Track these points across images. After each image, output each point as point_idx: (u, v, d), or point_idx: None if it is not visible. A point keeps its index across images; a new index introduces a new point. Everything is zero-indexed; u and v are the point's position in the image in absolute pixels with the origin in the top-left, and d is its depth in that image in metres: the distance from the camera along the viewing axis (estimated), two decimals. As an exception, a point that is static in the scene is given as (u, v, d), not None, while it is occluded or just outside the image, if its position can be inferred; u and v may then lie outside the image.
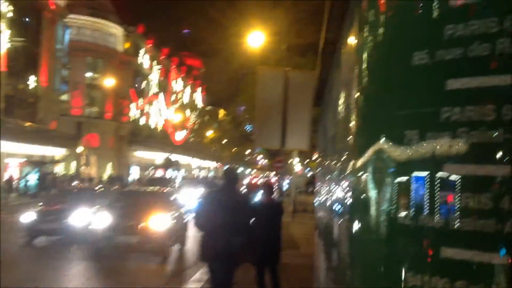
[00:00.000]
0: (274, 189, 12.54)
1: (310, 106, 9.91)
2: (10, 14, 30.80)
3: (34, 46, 36.81)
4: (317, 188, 10.21)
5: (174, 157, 63.05)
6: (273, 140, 10.18)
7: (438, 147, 2.53)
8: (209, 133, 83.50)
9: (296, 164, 47.22)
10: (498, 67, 2.30)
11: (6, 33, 30.79)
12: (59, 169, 44.20)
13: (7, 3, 29.83)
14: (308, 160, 50.58)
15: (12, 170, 35.45)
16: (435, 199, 2.43)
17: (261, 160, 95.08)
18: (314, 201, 13.61)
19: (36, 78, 38.22)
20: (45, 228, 15.08)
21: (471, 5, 2.39)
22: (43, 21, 38.34)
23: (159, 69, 73.69)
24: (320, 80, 7.07)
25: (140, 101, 65.93)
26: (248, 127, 63.89)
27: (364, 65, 3.12)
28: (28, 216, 15.30)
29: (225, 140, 78.00)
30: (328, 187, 5.92)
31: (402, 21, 2.69)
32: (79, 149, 48.51)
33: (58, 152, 43.61)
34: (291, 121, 10.05)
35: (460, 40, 2.43)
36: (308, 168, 55.12)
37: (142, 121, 67.83)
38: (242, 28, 19.19)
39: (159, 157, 64.97)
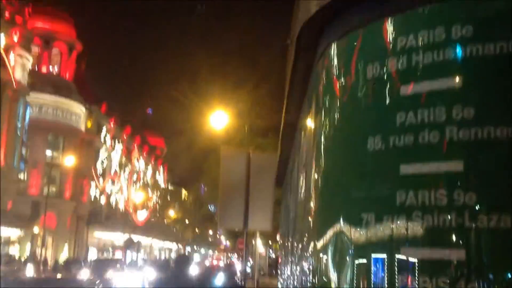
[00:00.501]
0: (235, 272, 12.30)
1: (272, 187, 9.98)
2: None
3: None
4: (281, 270, 10.08)
5: (135, 237, 61.62)
6: (236, 221, 10.12)
7: (394, 230, 2.58)
8: (172, 214, 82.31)
9: (260, 246, 46.79)
10: (448, 154, 2.41)
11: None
12: (14, 251, 42.50)
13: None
14: (271, 241, 50.19)
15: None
16: (394, 281, 2.45)
17: (224, 241, 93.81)
18: (278, 284, 13.37)
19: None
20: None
21: (421, 94, 2.52)
22: (3, 99, 38.14)
23: (121, 148, 73.39)
24: (281, 161, 7.18)
25: (101, 180, 65.01)
26: (211, 208, 63.34)
27: (322, 148, 3.21)
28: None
29: (187, 221, 76.91)
30: (291, 269, 5.87)
31: (356, 107, 2.81)
32: (35, 229, 46.93)
33: (13, 233, 42.07)
34: (254, 202, 10.06)
35: (411, 127, 2.55)
36: (272, 249, 54.54)
37: (102, 201, 66.56)
38: (205, 109, 19.52)
39: (119, 237, 63.38)
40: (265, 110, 21.19)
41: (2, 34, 34.58)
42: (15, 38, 38.61)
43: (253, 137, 22.13)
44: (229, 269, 11.10)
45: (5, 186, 37.23)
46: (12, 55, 38.67)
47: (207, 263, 55.57)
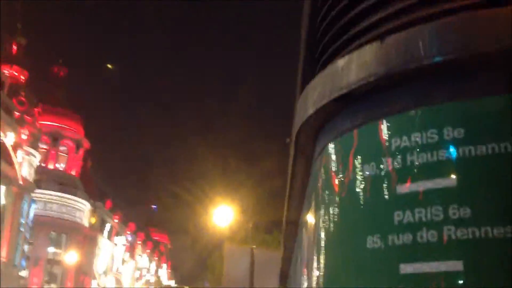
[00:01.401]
0: None
1: (276, 283, 9.80)
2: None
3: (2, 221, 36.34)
4: None
5: None
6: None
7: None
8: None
9: None
10: (447, 253, 2.40)
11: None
12: None
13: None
14: None
15: None
16: None
17: None
18: None
19: (-4, 253, 37.09)
20: None
21: (418, 193, 2.55)
22: (9, 196, 38.29)
23: (125, 244, 72.52)
24: (284, 258, 7.10)
25: (102, 277, 63.67)
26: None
27: (322, 244, 3.20)
28: None
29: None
30: None
31: (354, 203, 2.83)
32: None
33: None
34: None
35: (409, 226, 2.55)
36: None
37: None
38: (209, 205, 19.54)
39: None
40: (269, 206, 21.19)
41: (11, 133, 35.39)
42: (24, 136, 39.46)
43: (257, 233, 21.95)
44: None
45: (6, 283, 36.52)
46: (20, 153, 39.31)
47: None
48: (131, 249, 74.60)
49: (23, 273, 48.18)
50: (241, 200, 20.02)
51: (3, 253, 38.02)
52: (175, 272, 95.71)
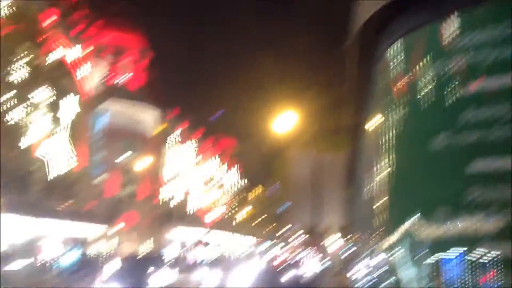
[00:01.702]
0: (302, 270, 12.16)
1: (342, 185, 9.95)
2: (51, 99, 32.21)
3: (78, 131, 38.03)
4: (354, 266, 9.99)
5: (207, 236, 62.71)
6: (308, 217, 10.18)
7: (466, 227, 2.54)
8: (244, 212, 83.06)
9: (332, 242, 46.26)
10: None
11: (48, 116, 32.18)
12: (97, 248, 44.24)
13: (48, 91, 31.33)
14: (344, 237, 49.51)
15: (50, 250, 35.65)
16: (468, 277, 2.42)
17: (296, 238, 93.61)
18: (352, 282, 13.19)
19: (74, 161, 39.31)
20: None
21: (487, 91, 2.46)
22: (78, 110, 39.80)
23: (193, 150, 74.73)
24: (351, 160, 7.15)
25: (172, 181, 66.44)
26: (283, 206, 63.28)
27: (389, 147, 3.20)
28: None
29: (259, 219, 77.42)
30: (364, 265, 5.86)
31: (421, 105, 2.78)
32: (116, 228, 48.80)
33: (95, 231, 43.92)
34: (325, 199, 10.05)
35: (478, 124, 2.49)
36: (348, 245, 53.59)
37: (175, 202, 68.04)
38: (275, 110, 19.58)
39: (191, 236, 64.66)
40: (332, 112, 21.04)
41: (75, 48, 36.10)
42: (87, 50, 40.21)
43: (322, 137, 22.02)
44: (294, 267, 10.97)
45: (88, 187, 38.96)
46: (84, 67, 40.26)
47: (274, 261, 55.37)
48: (199, 154, 76.68)
49: (98, 181, 50.96)
50: (304, 106, 19.98)
51: (79, 163, 40.19)
52: (244, 175, 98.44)
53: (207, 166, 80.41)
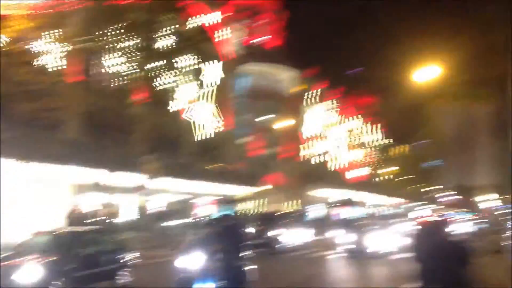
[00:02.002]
0: (448, 230, 11.42)
1: (495, 139, 9.19)
2: (194, 64, 33.50)
3: (221, 94, 39.57)
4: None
5: (350, 195, 62.56)
6: (458, 176, 9.57)
7: None
8: (388, 170, 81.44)
9: (488, 200, 43.62)
10: None
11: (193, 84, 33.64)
12: (246, 207, 46.20)
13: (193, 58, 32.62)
14: (501, 196, 46.36)
15: (201, 209, 37.78)
16: None
17: (447, 197, 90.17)
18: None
19: (221, 123, 41.04)
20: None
21: None
22: (220, 73, 41.20)
23: (333, 109, 74.40)
24: (503, 112, 6.52)
25: (314, 140, 66.91)
26: (429, 163, 61.04)
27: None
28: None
29: (404, 177, 75.45)
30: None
31: None
32: (263, 188, 50.47)
33: (245, 190, 45.83)
34: (477, 155, 9.38)
35: None
36: (504, 204, 49.97)
37: (316, 160, 68.64)
38: (417, 63, 18.52)
39: (334, 195, 64.93)
40: (485, 60, 19.42)
41: (212, 13, 37.18)
42: (223, 14, 41.21)
43: (471, 89, 20.54)
44: (444, 228, 10.31)
45: (234, 148, 40.70)
46: (222, 30, 41.40)
47: (422, 222, 53.61)
48: (340, 112, 76.31)
49: (244, 141, 52.84)
50: (450, 56, 18.66)
51: (224, 125, 41.81)
52: (385, 131, 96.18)
53: (349, 124, 79.96)
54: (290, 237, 16.80)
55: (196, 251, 7.63)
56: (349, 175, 73.34)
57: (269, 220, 18.10)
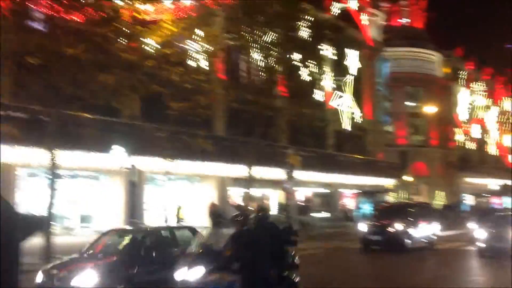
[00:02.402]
0: None
1: None
2: (332, 57, 33.11)
3: (355, 83, 38.73)
4: None
5: (509, 182, 58.05)
6: None
7: None
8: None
9: None
10: None
11: (330, 74, 33.26)
12: (390, 198, 45.02)
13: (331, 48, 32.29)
14: None
15: (347, 200, 37.52)
16: None
17: None
18: None
19: (361, 113, 40.18)
20: (373, 239, 16.25)
21: None
22: (362, 59, 40.25)
23: (483, 91, 69.66)
24: None
25: (466, 125, 63.14)
26: None
27: None
28: (362, 227, 16.74)
29: None
30: None
31: None
32: (407, 178, 48.71)
33: (387, 182, 44.56)
34: None
35: None
36: None
37: (470, 146, 64.75)
38: None
39: (492, 183, 60.74)
40: None
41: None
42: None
43: None
44: None
45: (374, 138, 39.67)
46: (364, 15, 40.55)
47: None
48: (491, 94, 71.39)
49: (389, 128, 51.37)
50: None
51: (367, 112, 40.90)
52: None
53: (502, 107, 74.37)
54: (424, 231, 15.86)
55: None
56: (505, 161, 68.10)
57: (408, 213, 17.33)
